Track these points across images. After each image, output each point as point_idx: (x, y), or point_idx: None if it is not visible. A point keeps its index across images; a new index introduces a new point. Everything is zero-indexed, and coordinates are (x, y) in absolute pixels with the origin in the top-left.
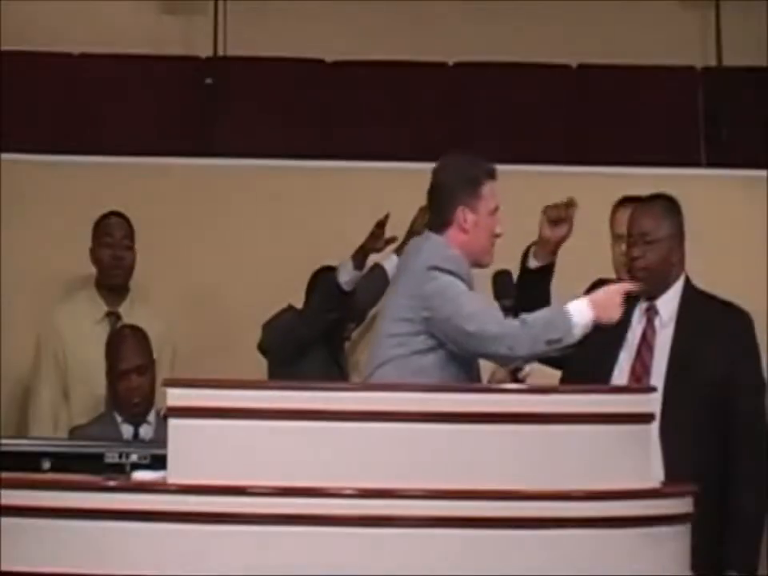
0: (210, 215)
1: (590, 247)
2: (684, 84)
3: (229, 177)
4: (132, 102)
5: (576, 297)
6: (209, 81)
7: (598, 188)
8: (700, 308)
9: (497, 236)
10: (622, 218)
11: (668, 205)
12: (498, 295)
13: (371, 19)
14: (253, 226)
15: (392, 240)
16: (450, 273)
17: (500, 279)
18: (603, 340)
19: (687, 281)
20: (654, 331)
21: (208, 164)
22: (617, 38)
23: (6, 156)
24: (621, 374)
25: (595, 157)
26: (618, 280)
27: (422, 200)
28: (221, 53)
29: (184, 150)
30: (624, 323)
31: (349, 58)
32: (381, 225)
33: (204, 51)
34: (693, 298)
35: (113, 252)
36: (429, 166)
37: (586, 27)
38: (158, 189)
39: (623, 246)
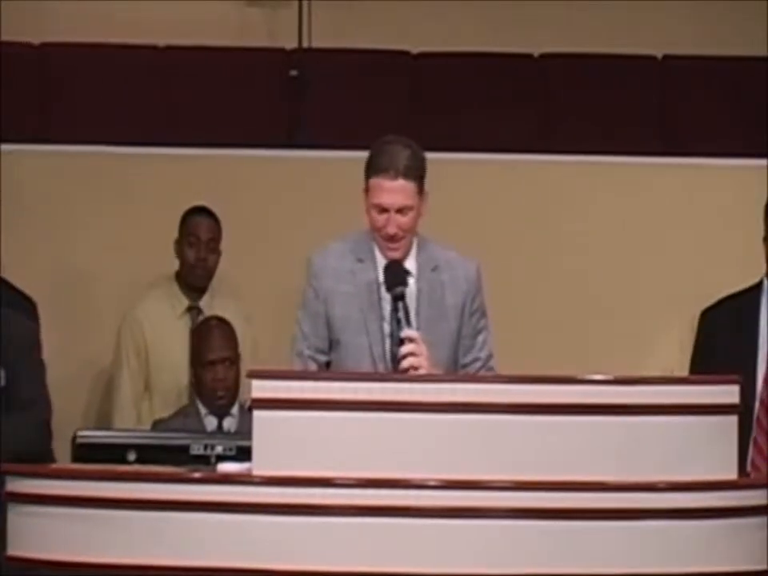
0: (293, 208)
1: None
2: None
3: (314, 169)
4: (217, 94)
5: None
6: (293, 73)
7: (695, 179)
8: None
9: (379, 232)
10: None
11: None
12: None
13: (456, 10)
14: (340, 219)
15: None
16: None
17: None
18: (735, 335)
19: None
20: None
21: (293, 156)
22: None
23: (82, 148)
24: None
25: (691, 148)
26: None
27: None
28: (305, 45)
29: (269, 143)
30: (754, 316)
31: (434, 50)
32: None
33: (289, 43)
34: None
35: (197, 254)
36: (518, 158)
37: (674, 19)
38: (242, 181)
39: None
